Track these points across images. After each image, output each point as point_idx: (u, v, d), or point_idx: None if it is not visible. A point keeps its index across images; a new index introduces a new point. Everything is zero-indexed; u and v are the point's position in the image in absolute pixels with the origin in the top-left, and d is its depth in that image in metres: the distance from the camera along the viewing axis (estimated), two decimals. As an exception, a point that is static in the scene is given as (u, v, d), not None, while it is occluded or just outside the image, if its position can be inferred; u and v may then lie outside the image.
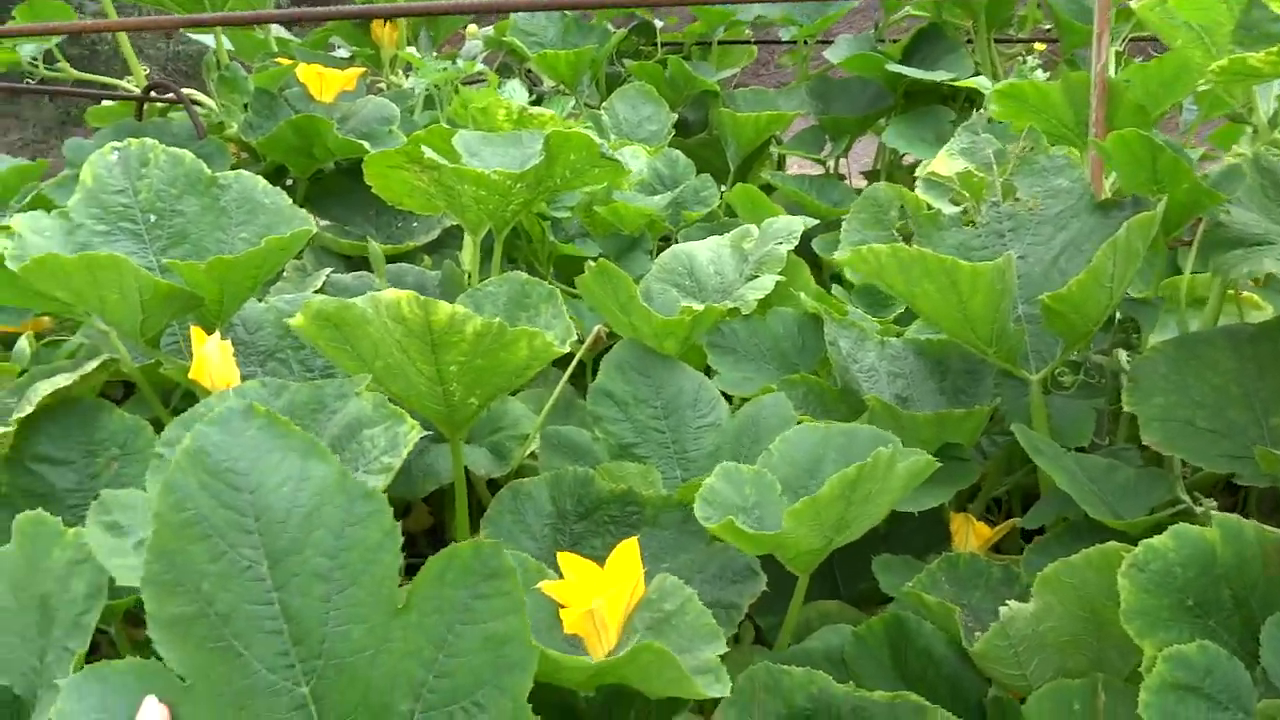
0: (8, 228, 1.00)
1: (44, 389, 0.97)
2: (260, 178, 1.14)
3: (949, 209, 1.13)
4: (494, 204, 1.25)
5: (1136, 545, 0.75)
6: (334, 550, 0.64)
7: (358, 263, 1.64)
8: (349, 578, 0.64)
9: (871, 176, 2.48)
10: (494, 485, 1.28)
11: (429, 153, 1.17)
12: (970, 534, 1.11)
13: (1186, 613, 0.73)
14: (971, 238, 1.13)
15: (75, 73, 1.78)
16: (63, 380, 0.98)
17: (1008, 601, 0.82)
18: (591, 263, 1.14)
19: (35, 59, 1.77)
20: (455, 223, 1.71)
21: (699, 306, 1.19)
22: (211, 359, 0.94)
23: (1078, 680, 0.82)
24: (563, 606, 0.79)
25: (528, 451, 1.22)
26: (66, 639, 0.77)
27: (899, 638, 0.91)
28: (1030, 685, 0.84)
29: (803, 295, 1.32)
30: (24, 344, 1.39)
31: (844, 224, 1.18)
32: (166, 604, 0.61)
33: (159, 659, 0.61)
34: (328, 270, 1.40)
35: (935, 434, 1.11)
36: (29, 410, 0.96)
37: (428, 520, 1.52)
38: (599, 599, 0.77)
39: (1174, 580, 0.73)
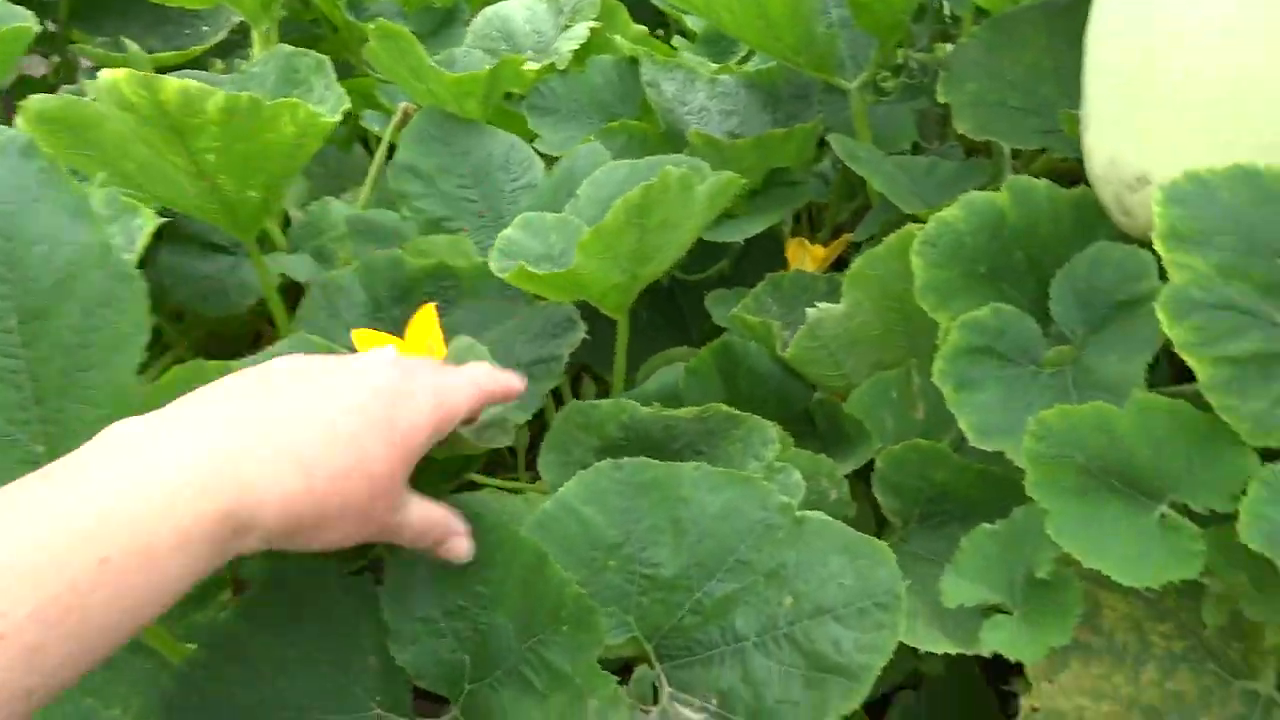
0: None
1: None
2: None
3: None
4: (251, -26, 1.10)
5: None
6: (81, 328, 0.60)
7: (143, 80, 1.47)
8: (90, 362, 0.60)
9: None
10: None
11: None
12: (806, 256, 1.09)
13: (979, 281, 0.72)
14: (773, -60, 1.03)
15: None
16: None
17: (815, 304, 0.80)
18: (371, 27, 1.03)
19: None
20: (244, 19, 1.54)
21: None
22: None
23: (893, 370, 0.83)
24: None
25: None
26: None
27: (727, 362, 0.90)
28: (851, 383, 0.84)
29: (618, 39, 1.23)
30: None
31: (636, -56, 1.08)
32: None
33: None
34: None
35: (759, 159, 1.07)
36: None
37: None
38: None
39: (964, 250, 0.72)
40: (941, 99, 0.99)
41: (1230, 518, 0.54)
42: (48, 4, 1.57)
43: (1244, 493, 0.53)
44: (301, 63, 0.97)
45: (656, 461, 0.66)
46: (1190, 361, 0.55)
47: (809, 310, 0.79)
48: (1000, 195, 0.73)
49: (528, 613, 0.60)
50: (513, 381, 0.65)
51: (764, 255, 1.20)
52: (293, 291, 1.08)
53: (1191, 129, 0.62)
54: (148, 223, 0.75)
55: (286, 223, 1.34)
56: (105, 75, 0.76)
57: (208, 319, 1.22)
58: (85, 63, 1.53)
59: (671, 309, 1.24)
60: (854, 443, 0.80)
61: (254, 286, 1.14)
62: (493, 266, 0.79)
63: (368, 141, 1.51)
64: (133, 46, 1.17)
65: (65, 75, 1.58)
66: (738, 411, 0.74)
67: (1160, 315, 0.55)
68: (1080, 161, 0.81)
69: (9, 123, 0.91)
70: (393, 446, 0.51)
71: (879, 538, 0.81)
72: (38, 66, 1.63)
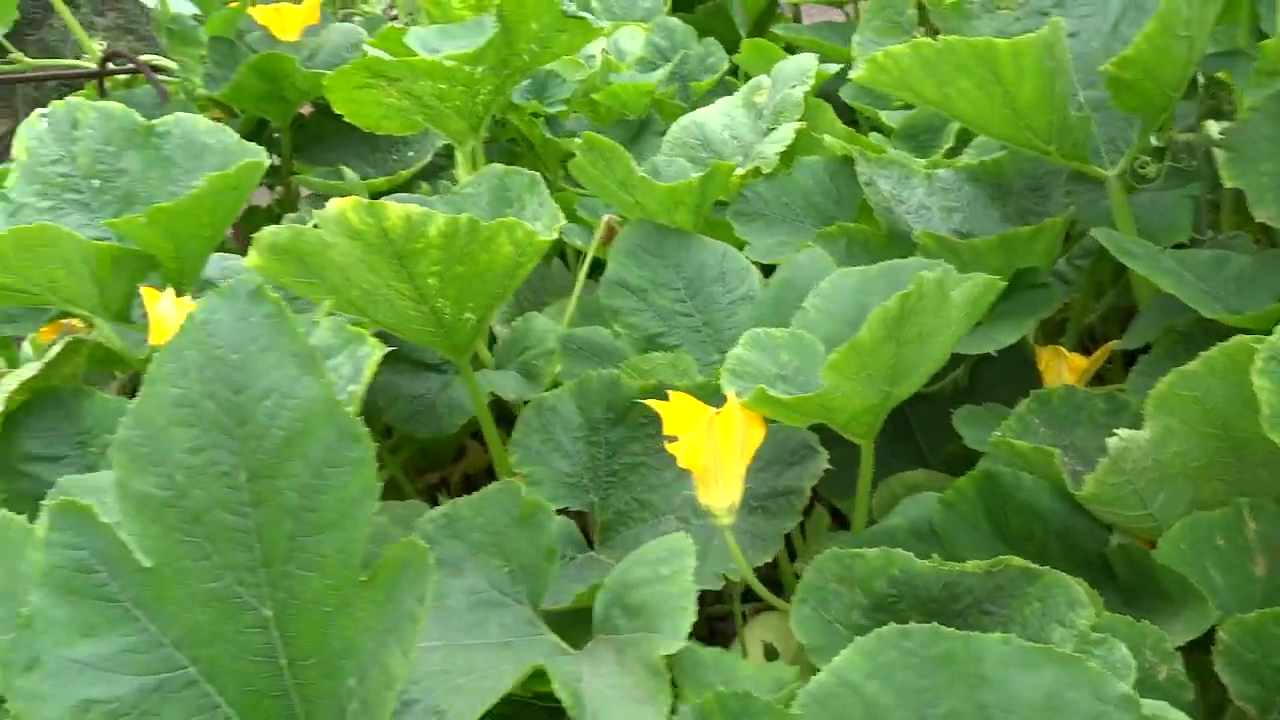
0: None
1: (9, 384, 0.88)
2: (201, 117, 1.03)
3: (979, -5, 0.95)
4: (460, 98, 1.11)
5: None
6: (308, 489, 0.56)
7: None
8: (318, 526, 0.56)
9: (897, 13, 2.24)
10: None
11: (374, 52, 1.04)
12: (1063, 368, 0.96)
13: (1351, 403, 0.58)
14: (1009, 23, 0.95)
15: (30, 60, 1.69)
16: (28, 371, 0.90)
17: (1117, 431, 0.67)
18: (577, 140, 1.00)
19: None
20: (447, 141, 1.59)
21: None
22: (168, 319, 0.84)
23: (1218, 510, 0.68)
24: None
25: (559, 367, 1.11)
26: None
27: (993, 496, 0.77)
28: (1160, 526, 0.70)
29: (827, 138, 1.16)
30: (27, 348, 1.33)
31: (854, 39, 1.01)
32: (136, 478, 0.56)
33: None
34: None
35: (1002, 261, 0.96)
36: None
37: (485, 459, 1.43)
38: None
39: (1329, 365, 0.58)
40: (1229, 183, 0.85)
41: None
42: (273, 140, 1.67)
43: None
44: (514, 181, 0.94)
45: (951, 630, 0.54)
46: None
47: (1110, 441, 0.67)
48: (1367, 297, 0.59)
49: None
50: None
51: (1006, 365, 1.07)
52: (493, 407, 1.05)
53: None
54: (375, 351, 0.71)
55: (491, 338, 1.34)
56: (333, 205, 0.75)
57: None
58: (305, 191, 1.60)
59: (898, 426, 1.12)
60: (1175, 603, 0.65)
61: (464, 406, 1.11)
62: (726, 390, 0.71)
63: (565, 255, 1.49)
64: (350, 174, 1.20)
65: (287, 204, 1.66)
66: (1034, 566, 0.61)
67: None
68: None
69: (242, 250, 0.93)
70: None
71: (1214, 724, 0.65)
72: (262, 196, 1.73)
